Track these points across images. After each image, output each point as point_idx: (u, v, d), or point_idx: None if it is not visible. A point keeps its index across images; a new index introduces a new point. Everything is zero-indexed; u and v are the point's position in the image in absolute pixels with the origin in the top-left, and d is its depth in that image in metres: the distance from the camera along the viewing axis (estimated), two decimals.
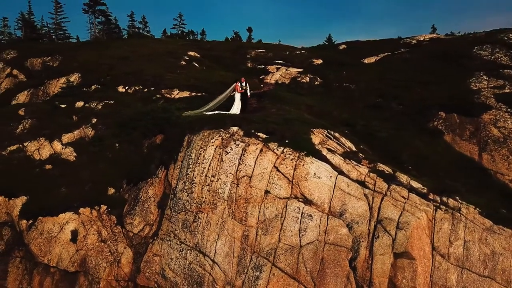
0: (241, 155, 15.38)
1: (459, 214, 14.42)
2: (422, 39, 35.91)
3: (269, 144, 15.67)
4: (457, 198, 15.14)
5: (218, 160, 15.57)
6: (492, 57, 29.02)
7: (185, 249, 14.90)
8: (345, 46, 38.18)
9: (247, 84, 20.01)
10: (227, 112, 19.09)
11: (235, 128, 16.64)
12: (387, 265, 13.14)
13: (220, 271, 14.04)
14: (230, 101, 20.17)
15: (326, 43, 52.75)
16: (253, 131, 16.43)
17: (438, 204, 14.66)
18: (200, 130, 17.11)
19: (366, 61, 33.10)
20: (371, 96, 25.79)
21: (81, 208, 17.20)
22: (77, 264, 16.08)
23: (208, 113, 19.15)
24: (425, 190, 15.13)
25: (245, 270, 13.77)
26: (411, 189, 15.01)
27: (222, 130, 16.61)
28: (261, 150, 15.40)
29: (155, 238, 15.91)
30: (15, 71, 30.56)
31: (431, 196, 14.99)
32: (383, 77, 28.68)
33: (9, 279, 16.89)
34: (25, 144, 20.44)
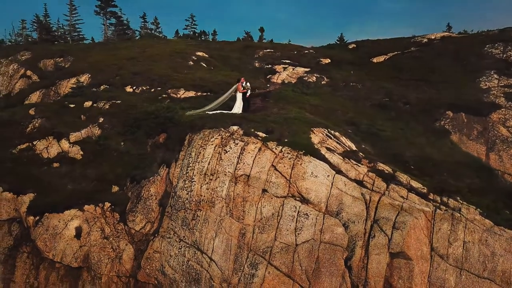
0: (239, 154, 15.50)
1: (459, 215, 14.23)
2: (433, 37, 35.39)
3: (268, 143, 15.74)
4: (458, 198, 14.94)
5: (217, 159, 15.73)
6: (504, 55, 28.46)
7: (184, 246, 15.11)
8: (355, 46, 37.92)
9: (248, 84, 20.11)
10: (228, 112, 19.25)
11: (235, 127, 16.77)
12: (382, 265, 13.07)
13: (217, 269, 14.19)
14: (234, 100, 20.31)
15: (338, 43, 52.45)
16: (252, 130, 16.53)
17: (438, 204, 14.50)
18: (201, 129, 17.30)
19: (375, 60, 32.82)
20: (377, 95, 25.59)
21: (85, 205, 17.58)
22: (80, 259, 16.47)
23: (210, 113, 19.35)
24: (425, 190, 14.98)
25: (241, 268, 13.89)
26: (411, 189, 14.88)
27: (222, 129, 16.76)
28: (259, 149, 15.49)
29: (156, 235, 16.16)
30: (28, 72, 31.36)
31: (431, 196, 14.84)
32: (391, 76, 28.44)
33: (17, 273, 17.36)
34: (34, 142, 20.97)
